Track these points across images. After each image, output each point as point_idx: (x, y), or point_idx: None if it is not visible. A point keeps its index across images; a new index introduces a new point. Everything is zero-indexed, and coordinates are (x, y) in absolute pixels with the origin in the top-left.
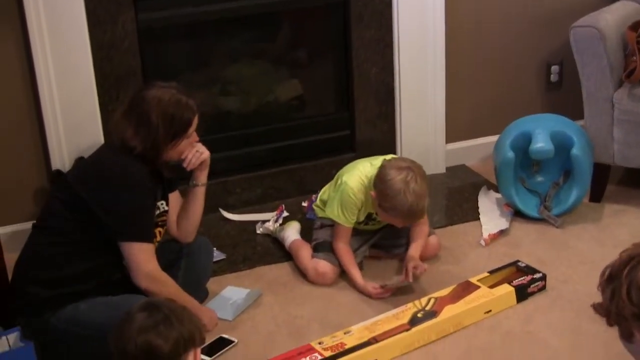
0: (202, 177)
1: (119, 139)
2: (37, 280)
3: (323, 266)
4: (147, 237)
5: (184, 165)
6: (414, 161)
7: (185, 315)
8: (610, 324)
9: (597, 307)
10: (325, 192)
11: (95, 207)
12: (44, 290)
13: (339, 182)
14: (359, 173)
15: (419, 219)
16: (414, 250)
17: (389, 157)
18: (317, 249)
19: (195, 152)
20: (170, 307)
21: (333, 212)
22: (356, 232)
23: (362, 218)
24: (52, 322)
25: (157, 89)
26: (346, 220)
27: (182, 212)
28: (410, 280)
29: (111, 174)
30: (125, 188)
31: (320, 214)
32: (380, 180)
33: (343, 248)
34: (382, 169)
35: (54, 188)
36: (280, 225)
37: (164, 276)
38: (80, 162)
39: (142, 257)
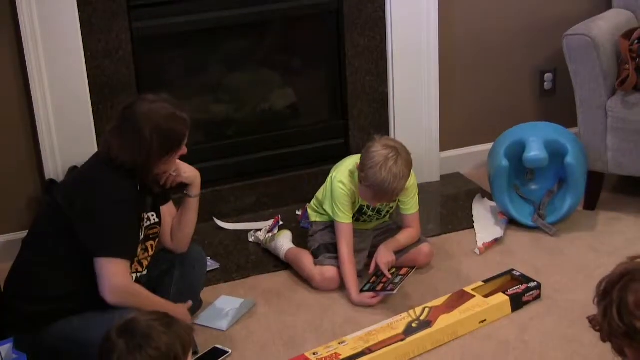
0: (196, 189)
1: (109, 154)
2: (25, 297)
3: (329, 271)
4: (121, 253)
5: (161, 183)
6: (405, 146)
7: (163, 335)
8: (603, 339)
9: (592, 321)
10: (321, 191)
11: (75, 221)
12: (33, 306)
13: (330, 177)
14: (346, 166)
15: (389, 200)
16: (391, 243)
17: None
18: (316, 255)
19: (172, 177)
20: (148, 326)
21: (329, 209)
22: None
23: (353, 211)
24: (44, 337)
25: (149, 102)
26: (343, 215)
27: (176, 223)
28: (372, 271)
29: (97, 190)
30: (108, 204)
31: (312, 217)
32: (365, 150)
33: (346, 254)
34: (371, 141)
35: (45, 201)
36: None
37: (133, 288)
38: (72, 173)
39: (110, 270)
